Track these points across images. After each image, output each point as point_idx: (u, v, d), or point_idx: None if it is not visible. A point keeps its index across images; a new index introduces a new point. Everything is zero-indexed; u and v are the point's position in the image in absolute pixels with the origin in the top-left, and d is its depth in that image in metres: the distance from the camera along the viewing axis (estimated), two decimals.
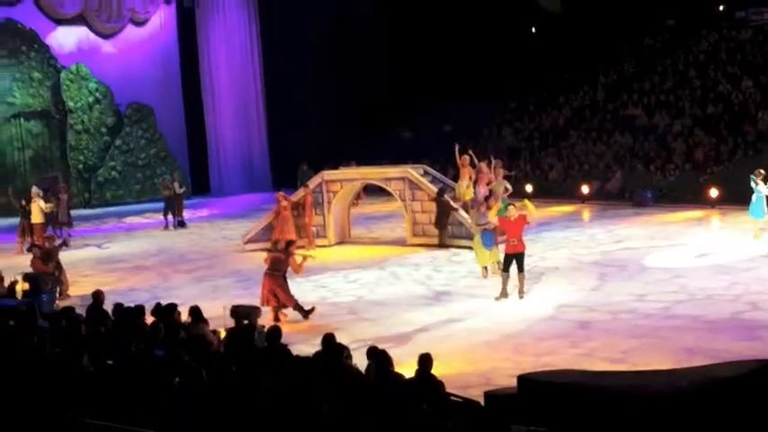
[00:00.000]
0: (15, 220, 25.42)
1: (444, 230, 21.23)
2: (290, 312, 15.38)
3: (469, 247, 19.18)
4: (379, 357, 9.13)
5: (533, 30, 39.53)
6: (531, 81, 35.97)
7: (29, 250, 19.64)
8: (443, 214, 21.15)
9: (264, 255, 16.30)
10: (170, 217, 27.45)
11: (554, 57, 36.67)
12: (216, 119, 37.14)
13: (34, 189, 24.98)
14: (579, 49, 36.12)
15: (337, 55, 34.94)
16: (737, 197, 22.36)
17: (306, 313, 15.28)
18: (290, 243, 16.31)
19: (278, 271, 15.45)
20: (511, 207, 16.49)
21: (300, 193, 23.00)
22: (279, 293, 15.32)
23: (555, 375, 8.41)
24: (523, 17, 38.58)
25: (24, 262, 19.08)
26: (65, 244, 19.80)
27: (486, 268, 17.64)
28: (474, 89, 34.82)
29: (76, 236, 25.64)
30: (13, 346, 8.94)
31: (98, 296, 13.18)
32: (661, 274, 17.10)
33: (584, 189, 28.11)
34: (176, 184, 27.93)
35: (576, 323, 14.15)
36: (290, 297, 15.40)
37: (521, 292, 15.83)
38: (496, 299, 15.79)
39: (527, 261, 16.25)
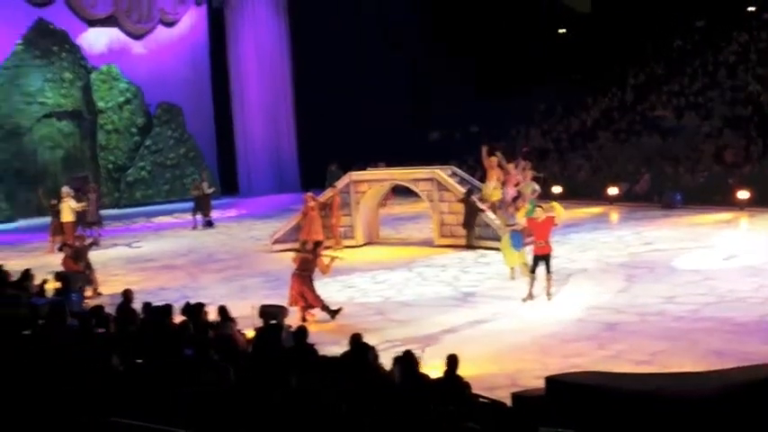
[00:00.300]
0: (47, 220, 25.68)
1: (472, 231, 21.21)
2: (317, 312, 15.44)
3: (497, 249, 19.15)
4: (405, 362, 9.15)
5: (562, 30, 39.38)
6: (560, 82, 35.84)
7: (60, 249, 19.85)
8: (471, 215, 21.14)
9: (292, 255, 16.37)
10: (198, 217, 27.63)
11: (583, 58, 36.53)
12: (245, 119, 37.31)
13: (65, 188, 25.22)
14: (608, 50, 35.95)
15: (366, 55, 34.97)
16: (767, 199, 22.17)
17: (333, 313, 15.34)
18: (317, 244, 16.37)
19: (306, 271, 15.52)
20: (538, 209, 16.46)
21: (328, 193, 23.07)
22: (306, 294, 15.39)
23: (583, 377, 8.39)
24: (552, 18, 38.45)
25: (55, 261, 19.30)
26: (95, 243, 19.98)
27: (513, 269, 17.63)
28: (502, 89, 34.75)
29: (106, 235, 25.85)
30: (42, 346, 9.04)
31: (128, 295, 13.29)
32: (690, 276, 16.99)
33: (613, 190, 27.97)
34: (205, 184, 28.12)
35: (604, 325, 14.11)
36: (318, 298, 15.46)
37: (548, 294, 15.80)
38: (523, 300, 15.77)
39: (554, 262, 16.22)
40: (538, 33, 37.00)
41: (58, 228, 24.03)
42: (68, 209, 23.87)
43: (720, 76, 32.19)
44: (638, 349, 12.66)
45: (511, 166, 21.99)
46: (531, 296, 15.79)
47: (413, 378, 8.89)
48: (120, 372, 7.64)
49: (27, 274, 15.47)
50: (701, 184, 26.92)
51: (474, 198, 21.32)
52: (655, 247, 20.32)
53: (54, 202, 24.54)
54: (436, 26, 36.07)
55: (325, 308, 15.37)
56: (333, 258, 16.18)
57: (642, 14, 35.46)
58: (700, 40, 34.96)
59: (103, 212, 27.95)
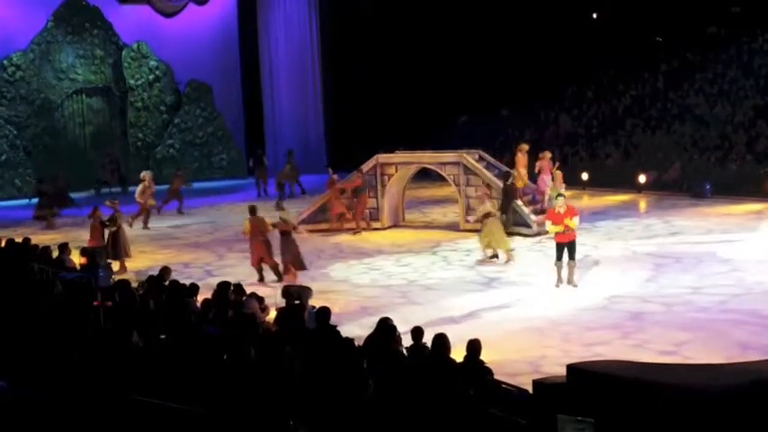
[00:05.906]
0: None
1: (509, 217, 20.96)
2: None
3: (525, 235, 19.28)
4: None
5: (594, 16, 38.99)
6: (591, 68, 35.51)
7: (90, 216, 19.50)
8: (508, 199, 20.84)
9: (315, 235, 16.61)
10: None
11: (615, 43, 36.14)
12: (273, 99, 37.28)
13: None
14: (641, 36, 35.53)
15: (396, 37, 34.79)
16: None
17: (280, 276, 16.69)
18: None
19: (261, 235, 17.08)
20: (560, 198, 16.39)
21: (353, 177, 22.99)
22: (264, 254, 16.97)
23: (605, 366, 8.32)
24: (585, 3, 38.06)
25: (83, 236, 19.45)
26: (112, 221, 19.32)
27: (509, 252, 17.95)
28: (533, 74, 34.46)
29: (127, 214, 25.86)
30: (69, 321, 9.10)
31: (165, 272, 13.25)
32: (718, 267, 16.83)
33: (642, 178, 27.70)
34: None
35: (629, 314, 14.02)
36: (272, 257, 17.01)
37: (570, 282, 15.71)
38: (556, 286, 15.66)
39: (580, 250, 16.12)
40: (570, 18, 36.62)
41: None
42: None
43: (755, 64, 31.74)
44: (662, 339, 12.58)
45: (547, 153, 22.15)
46: (560, 281, 15.69)
47: (436, 361, 8.88)
48: (140, 349, 7.67)
49: (63, 248, 15.64)
50: (731, 173, 26.62)
51: (511, 182, 21.14)
52: (683, 236, 20.13)
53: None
54: (467, 9, 35.78)
55: (276, 270, 16.83)
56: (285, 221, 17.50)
57: (677, 0, 35.00)
58: (735, 27, 34.45)
59: (130, 189, 28.00)
